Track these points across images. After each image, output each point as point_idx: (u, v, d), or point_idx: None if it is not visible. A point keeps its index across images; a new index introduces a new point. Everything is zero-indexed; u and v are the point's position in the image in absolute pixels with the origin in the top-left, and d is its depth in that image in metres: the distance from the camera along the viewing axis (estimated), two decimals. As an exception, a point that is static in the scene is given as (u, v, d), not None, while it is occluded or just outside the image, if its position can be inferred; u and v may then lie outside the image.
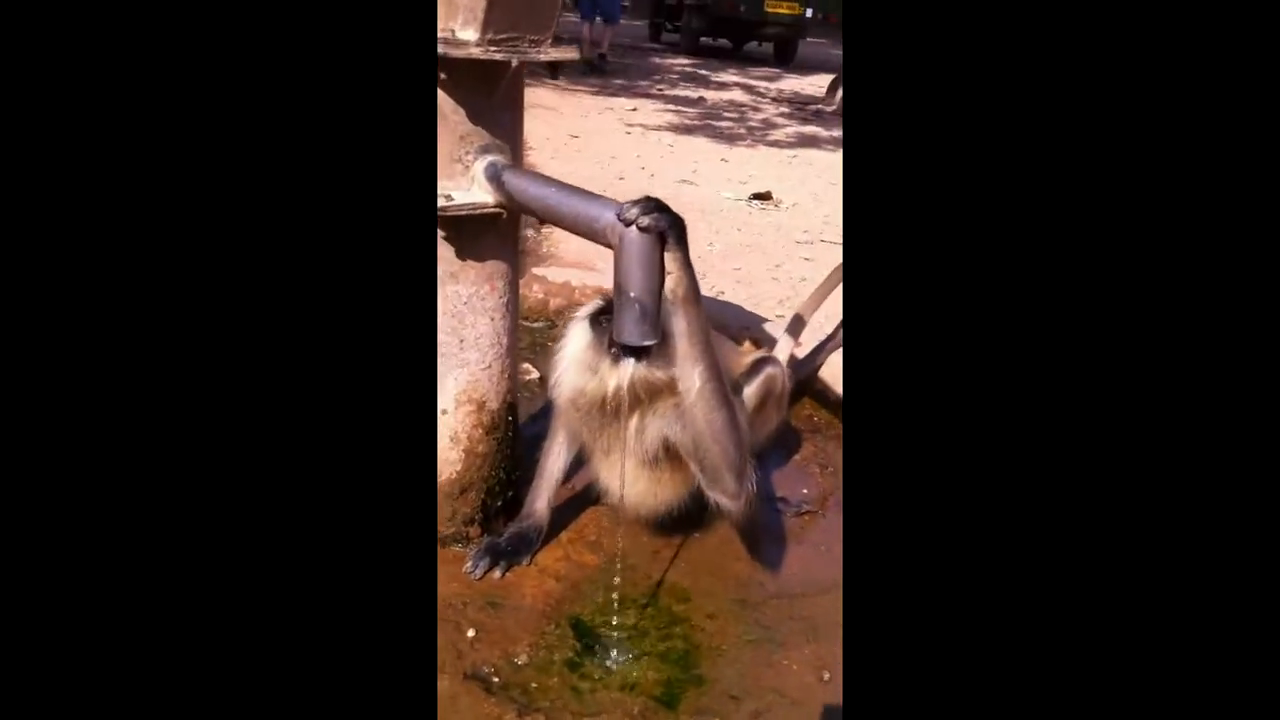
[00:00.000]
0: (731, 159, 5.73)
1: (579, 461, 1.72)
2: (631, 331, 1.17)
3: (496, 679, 1.35)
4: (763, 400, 1.65)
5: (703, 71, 10.86)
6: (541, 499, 1.65)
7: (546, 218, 1.28)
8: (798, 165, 5.83)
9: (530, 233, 3.52)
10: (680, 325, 1.18)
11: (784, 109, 8.54)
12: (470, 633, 1.43)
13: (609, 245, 1.17)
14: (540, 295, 2.66)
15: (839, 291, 2.40)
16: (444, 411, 1.53)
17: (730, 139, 6.53)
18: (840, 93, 8.57)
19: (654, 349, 1.31)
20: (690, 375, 1.20)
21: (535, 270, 2.78)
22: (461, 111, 1.33)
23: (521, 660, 1.40)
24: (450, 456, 1.56)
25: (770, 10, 11.73)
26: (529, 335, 2.52)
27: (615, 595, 1.52)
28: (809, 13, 11.92)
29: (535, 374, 2.37)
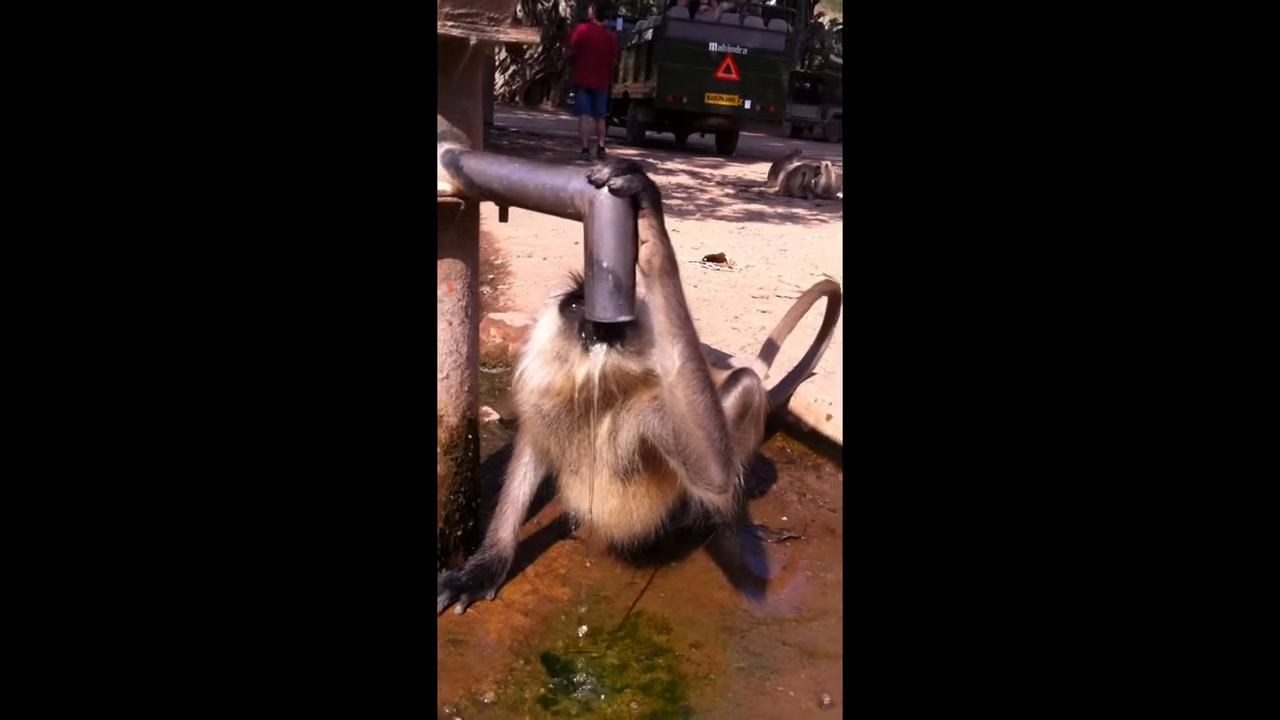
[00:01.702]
0: (682, 230, 5.78)
1: (547, 492, 1.60)
2: (605, 307, 1.07)
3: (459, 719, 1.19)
4: (741, 413, 1.55)
5: (650, 160, 11.14)
6: (506, 528, 1.51)
7: (510, 198, 1.20)
8: (747, 235, 5.91)
9: (486, 290, 3.44)
10: (657, 299, 1.09)
11: (729, 190, 8.76)
12: (428, 671, 1.26)
13: (578, 216, 1.09)
14: (499, 340, 2.55)
15: (808, 318, 2.36)
16: (397, 428, 1.40)
17: (680, 214, 6.62)
18: (782, 176, 8.85)
19: (629, 335, 1.22)
20: (670, 353, 1.10)
21: (493, 315, 2.68)
22: (417, 95, 1.26)
23: (489, 699, 1.23)
24: (404, 478, 1.42)
25: (711, 102, 12.22)
26: (487, 380, 2.40)
27: (584, 626, 1.37)
28: (748, 104, 12.40)
29: (494, 416, 2.24)
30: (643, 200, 1.05)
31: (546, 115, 20.83)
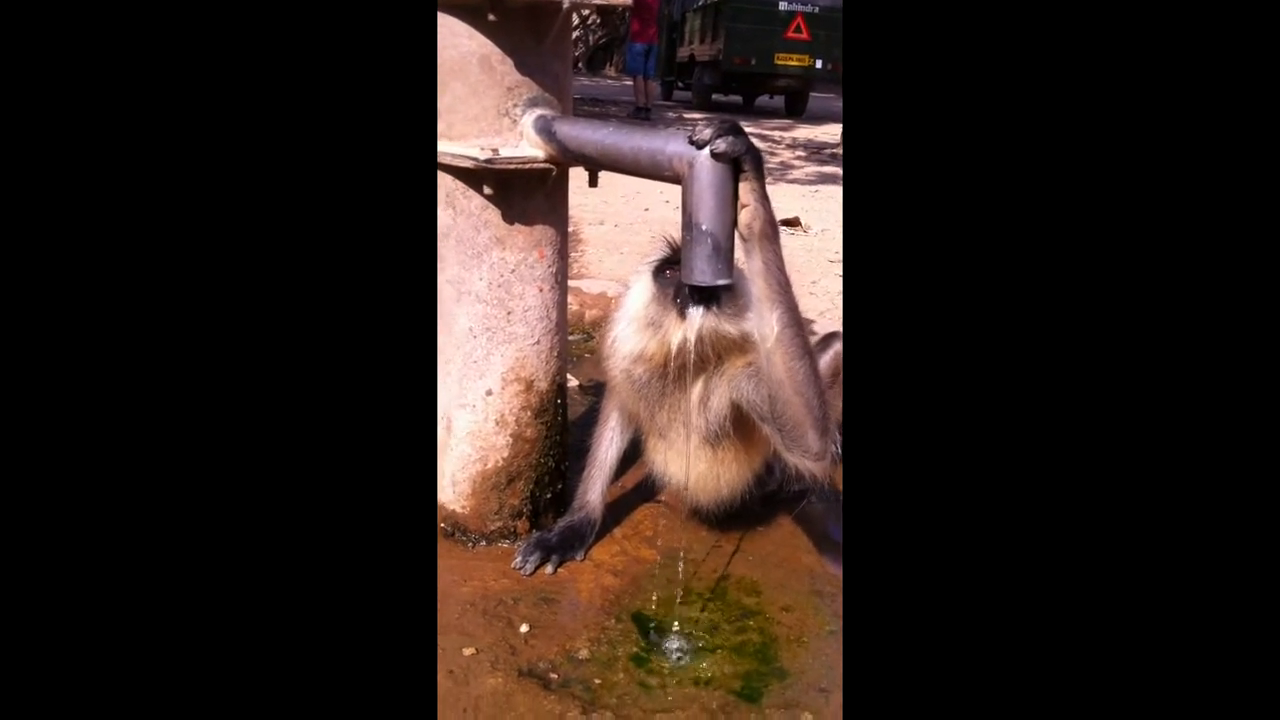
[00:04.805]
0: (753, 194, 5.71)
1: (632, 454, 1.61)
2: (703, 270, 1.06)
3: (555, 675, 1.22)
4: (833, 378, 1.53)
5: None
6: (594, 490, 1.53)
7: (605, 162, 1.20)
8: (820, 199, 5.79)
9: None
10: (757, 264, 1.07)
11: (800, 153, 8.58)
12: (524, 628, 1.30)
13: (676, 178, 1.08)
14: (575, 306, 2.57)
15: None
16: (489, 392, 1.43)
17: (750, 178, 6.53)
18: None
19: (724, 299, 1.21)
20: (768, 319, 1.09)
21: (570, 282, 2.70)
22: (510, 61, 1.26)
23: (583, 656, 1.26)
24: (496, 442, 1.45)
25: (780, 63, 11.92)
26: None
27: (680, 588, 1.39)
28: (819, 64, 12.06)
29: (574, 382, 2.26)
30: (745, 163, 1.03)
31: (610, 81, 20.67)
